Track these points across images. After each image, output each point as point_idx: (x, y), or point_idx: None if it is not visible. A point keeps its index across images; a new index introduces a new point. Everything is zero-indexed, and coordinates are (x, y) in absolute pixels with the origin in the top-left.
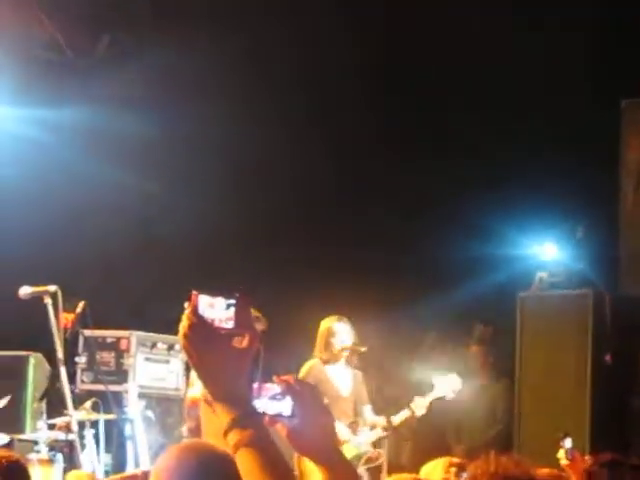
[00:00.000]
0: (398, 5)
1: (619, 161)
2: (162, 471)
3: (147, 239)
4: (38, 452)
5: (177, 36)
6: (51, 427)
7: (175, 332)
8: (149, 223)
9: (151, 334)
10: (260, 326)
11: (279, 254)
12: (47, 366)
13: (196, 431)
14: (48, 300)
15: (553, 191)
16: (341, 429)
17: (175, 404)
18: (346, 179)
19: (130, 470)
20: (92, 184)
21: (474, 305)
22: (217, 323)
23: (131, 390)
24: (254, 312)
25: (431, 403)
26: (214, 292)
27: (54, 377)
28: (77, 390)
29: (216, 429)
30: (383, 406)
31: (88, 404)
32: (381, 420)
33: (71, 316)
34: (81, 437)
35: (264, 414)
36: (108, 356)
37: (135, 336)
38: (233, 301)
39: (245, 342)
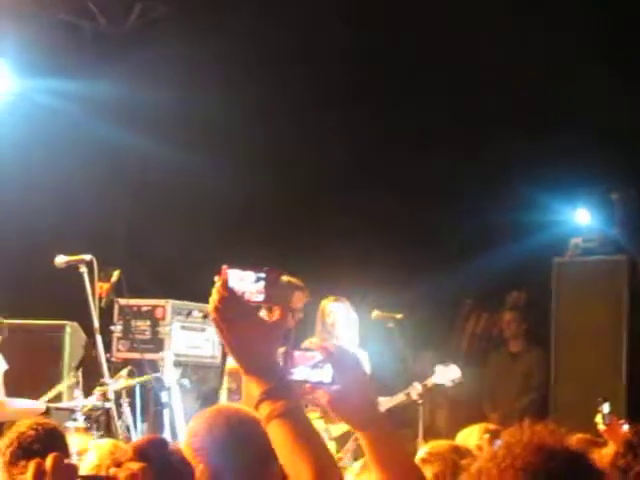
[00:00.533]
0: None
1: None
2: (192, 436)
3: (174, 207)
4: (75, 420)
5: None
6: (87, 395)
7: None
8: (179, 192)
9: (186, 302)
10: (303, 296)
11: (313, 223)
12: (83, 335)
13: (237, 391)
14: (83, 269)
15: (587, 156)
16: None
17: (211, 372)
18: (392, 146)
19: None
20: (119, 154)
21: (508, 272)
22: (247, 296)
23: (167, 358)
24: (297, 281)
25: (427, 388)
26: (244, 266)
27: (90, 346)
28: (113, 359)
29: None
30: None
31: (124, 372)
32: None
33: (106, 285)
34: (117, 405)
35: (305, 382)
36: (143, 324)
37: (170, 304)
38: (263, 275)
39: (275, 315)
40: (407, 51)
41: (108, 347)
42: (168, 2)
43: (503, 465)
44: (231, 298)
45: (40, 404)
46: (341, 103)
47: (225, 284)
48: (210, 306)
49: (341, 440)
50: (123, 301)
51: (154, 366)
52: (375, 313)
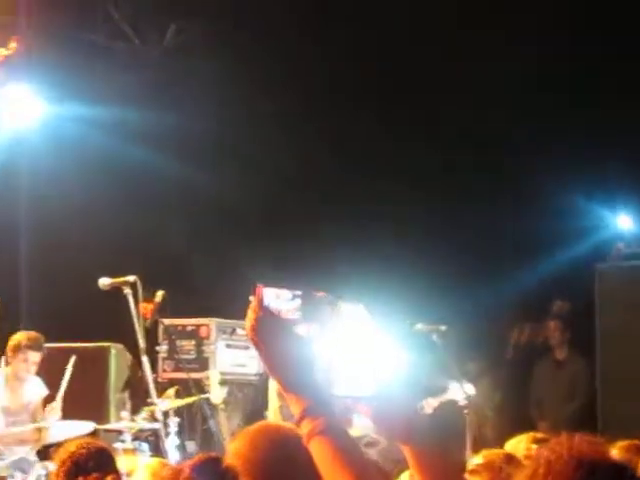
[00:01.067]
0: None
1: None
2: (235, 456)
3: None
4: (123, 442)
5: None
6: (134, 416)
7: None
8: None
9: (230, 320)
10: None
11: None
12: (128, 356)
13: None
14: (128, 290)
15: (628, 161)
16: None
17: (256, 389)
18: (434, 143)
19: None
20: (156, 177)
21: (551, 280)
22: (283, 314)
23: (212, 377)
24: (329, 296)
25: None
26: (279, 284)
27: (135, 367)
28: (159, 379)
29: None
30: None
31: (171, 392)
32: None
33: (150, 306)
34: (165, 425)
35: (346, 397)
36: (188, 344)
37: (215, 323)
38: (299, 292)
39: (312, 332)
40: (419, 48)
41: (154, 367)
42: (203, 22)
43: None
44: (267, 317)
45: (88, 425)
46: None
47: (260, 303)
48: (247, 325)
49: None
50: (167, 321)
51: (199, 385)
52: (418, 325)
